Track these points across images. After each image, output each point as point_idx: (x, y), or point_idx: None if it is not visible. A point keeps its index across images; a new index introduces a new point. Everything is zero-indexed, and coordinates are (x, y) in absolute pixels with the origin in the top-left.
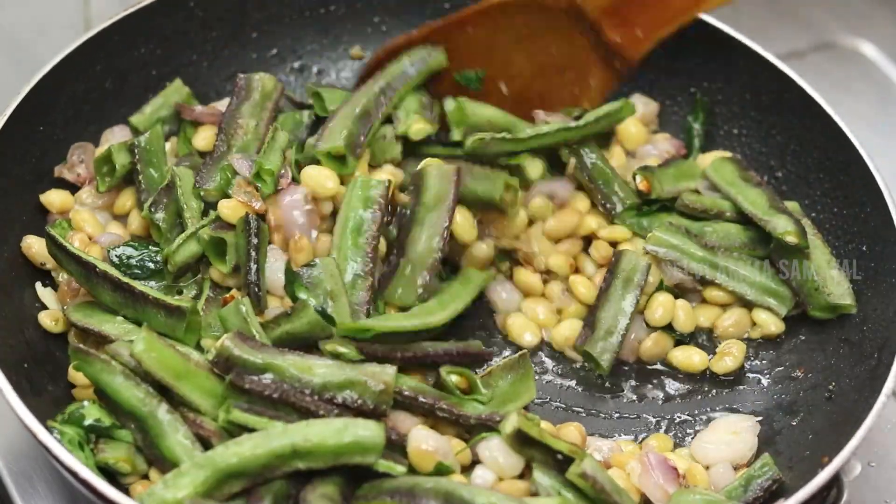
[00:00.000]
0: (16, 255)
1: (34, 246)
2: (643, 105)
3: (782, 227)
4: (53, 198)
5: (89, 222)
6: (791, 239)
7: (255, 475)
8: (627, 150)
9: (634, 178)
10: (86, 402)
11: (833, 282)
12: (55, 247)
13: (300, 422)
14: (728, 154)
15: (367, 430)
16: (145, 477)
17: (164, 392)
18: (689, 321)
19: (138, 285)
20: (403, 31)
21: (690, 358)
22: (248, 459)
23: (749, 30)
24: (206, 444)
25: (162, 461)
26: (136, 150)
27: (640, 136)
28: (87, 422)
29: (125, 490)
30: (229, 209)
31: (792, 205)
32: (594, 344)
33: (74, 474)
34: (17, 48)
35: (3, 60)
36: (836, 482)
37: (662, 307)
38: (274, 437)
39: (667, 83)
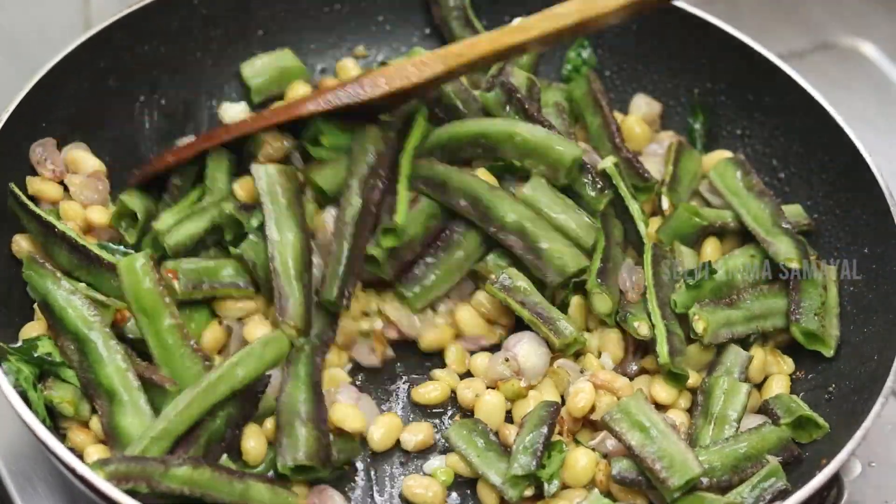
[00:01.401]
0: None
1: (22, 243)
2: (646, 105)
3: (784, 253)
4: (43, 188)
5: (79, 216)
6: (794, 265)
7: (199, 422)
8: (633, 150)
9: (691, 318)
10: (42, 336)
11: (831, 324)
12: (17, 204)
13: (229, 361)
14: (728, 153)
15: (281, 342)
16: (86, 427)
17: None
18: None
19: (94, 248)
20: (407, 31)
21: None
22: (195, 416)
23: (750, 30)
24: (148, 385)
25: (96, 388)
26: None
27: (644, 135)
28: (38, 353)
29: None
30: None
31: (794, 208)
32: None
33: (72, 471)
34: (17, 48)
35: (3, 60)
36: (836, 482)
37: None
38: (212, 388)
39: (669, 84)
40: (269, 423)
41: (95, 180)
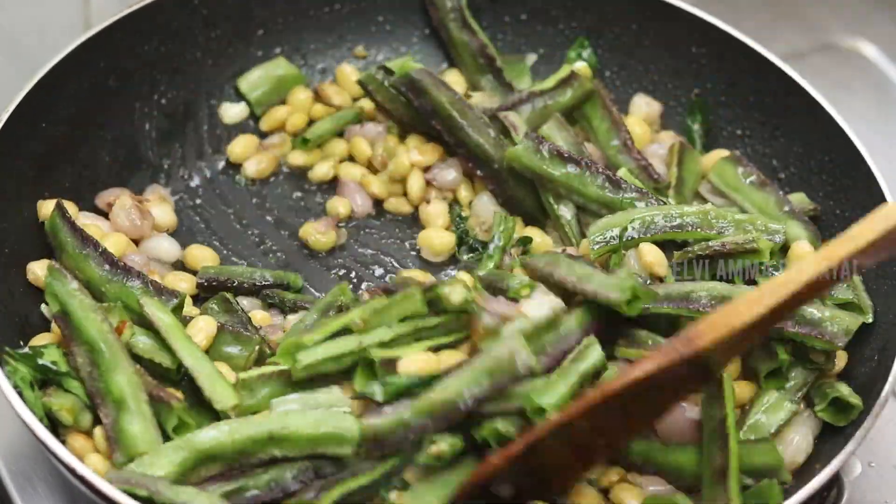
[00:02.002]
0: (15, 252)
1: (37, 271)
2: (646, 105)
3: (795, 234)
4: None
5: (94, 234)
6: (806, 246)
7: (232, 459)
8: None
9: None
10: (49, 345)
11: (862, 294)
12: (62, 218)
13: (279, 411)
14: (726, 153)
15: (344, 422)
16: (87, 435)
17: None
18: None
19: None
20: (407, 31)
21: None
22: (225, 443)
23: (750, 30)
24: (158, 405)
25: (104, 396)
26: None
27: (645, 135)
28: (43, 361)
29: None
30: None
31: (798, 196)
32: None
33: (72, 471)
34: (17, 48)
35: (3, 60)
36: (836, 482)
37: None
38: (252, 424)
39: (669, 84)
40: None
41: (141, 213)
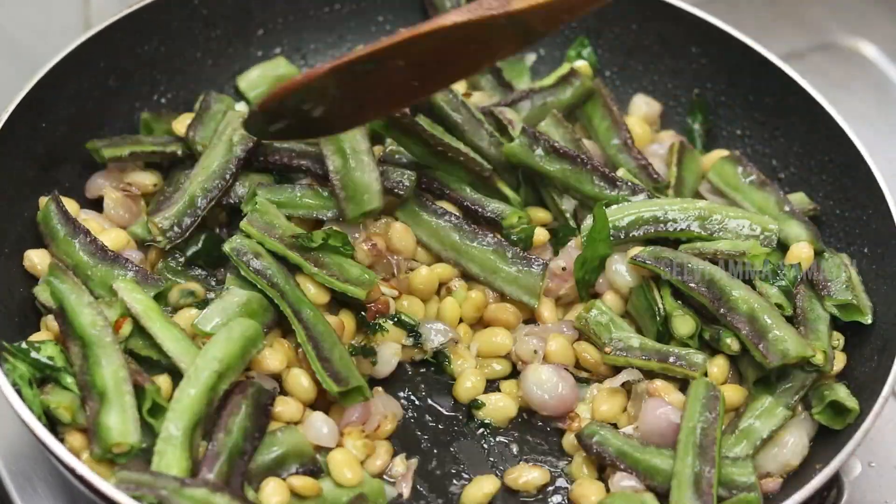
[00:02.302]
0: (15, 251)
1: (34, 258)
2: (646, 105)
3: (795, 234)
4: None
5: (94, 229)
6: (806, 247)
7: (208, 412)
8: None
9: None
10: (46, 341)
11: (862, 295)
12: (58, 209)
13: (204, 348)
14: (726, 153)
15: (249, 328)
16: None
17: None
18: None
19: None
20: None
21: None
22: (195, 405)
23: (749, 30)
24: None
25: (91, 389)
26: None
27: (645, 135)
28: (39, 355)
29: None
30: None
31: (798, 196)
32: None
33: (72, 471)
34: (17, 48)
35: (3, 60)
36: (836, 482)
37: None
38: (199, 374)
39: (669, 84)
40: None
41: (130, 201)
